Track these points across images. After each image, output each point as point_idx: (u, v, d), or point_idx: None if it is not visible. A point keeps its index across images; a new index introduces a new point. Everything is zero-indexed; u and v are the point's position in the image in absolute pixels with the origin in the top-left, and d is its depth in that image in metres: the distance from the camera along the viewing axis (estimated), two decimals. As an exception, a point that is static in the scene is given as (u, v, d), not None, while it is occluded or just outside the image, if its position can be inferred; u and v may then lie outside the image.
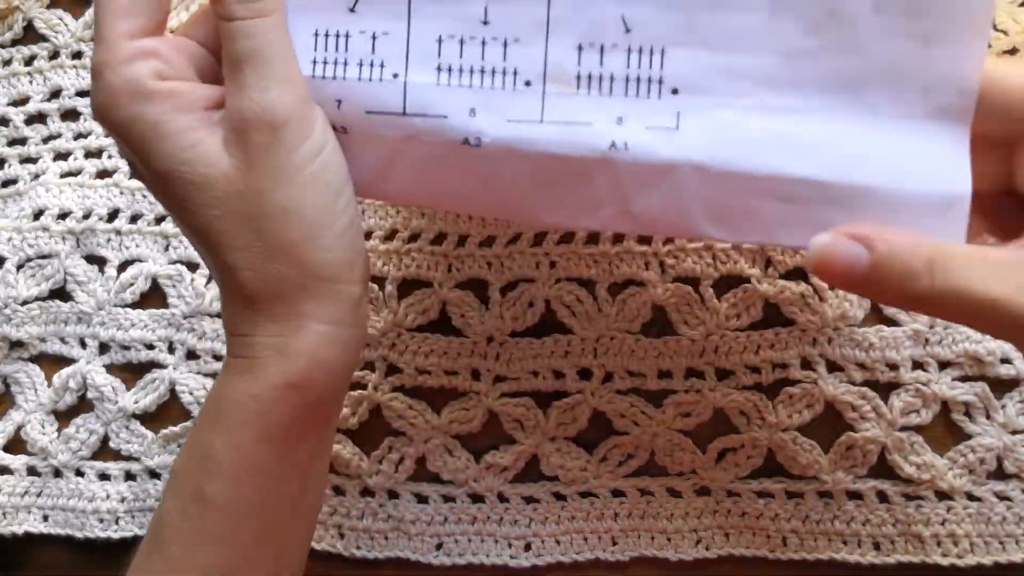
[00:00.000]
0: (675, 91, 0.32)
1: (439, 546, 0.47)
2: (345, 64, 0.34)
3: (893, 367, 0.45)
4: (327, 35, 0.34)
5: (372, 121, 0.34)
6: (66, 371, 0.50)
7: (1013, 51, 0.45)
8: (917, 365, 0.45)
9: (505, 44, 0.33)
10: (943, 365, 0.45)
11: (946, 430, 0.45)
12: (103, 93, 0.33)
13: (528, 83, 0.33)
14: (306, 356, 0.33)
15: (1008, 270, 0.30)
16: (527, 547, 0.46)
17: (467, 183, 0.35)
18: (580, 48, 0.33)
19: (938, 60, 0.31)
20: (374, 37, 0.34)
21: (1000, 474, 0.44)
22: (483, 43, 0.33)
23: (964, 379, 0.45)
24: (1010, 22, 0.45)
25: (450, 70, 0.33)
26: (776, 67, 0.32)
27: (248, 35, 0.33)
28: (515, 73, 0.33)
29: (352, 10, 0.34)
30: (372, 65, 0.34)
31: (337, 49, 0.34)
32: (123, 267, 0.51)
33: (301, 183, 0.33)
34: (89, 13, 0.52)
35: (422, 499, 0.47)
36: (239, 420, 0.34)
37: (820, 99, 0.32)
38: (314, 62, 0.34)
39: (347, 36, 0.34)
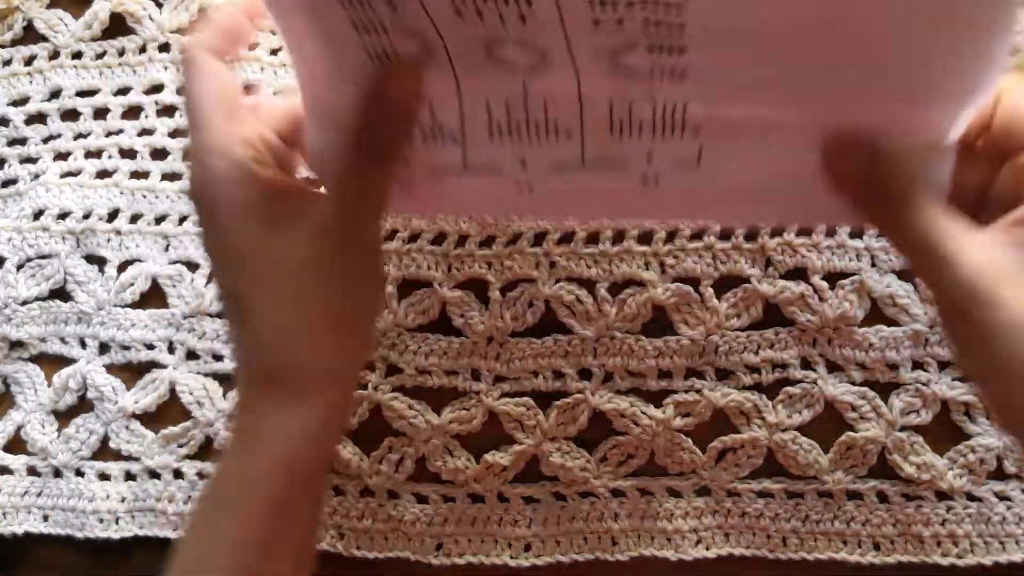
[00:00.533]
0: (697, 127, 0.35)
1: (439, 546, 0.47)
2: None
3: (893, 367, 0.45)
4: None
5: (436, 177, 0.38)
6: (66, 371, 0.50)
7: (1013, 51, 0.45)
8: (917, 365, 0.45)
9: (545, 100, 0.36)
10: (943, 365, 0.45)
11: (946, 430, 0.45)
12: (206, 174, 0.35)
13: (568, 132, 0.36)
14: (306, 437, 0.36)
15: (971, 236, 0.32)
16: (527, 547, 0.46)
17: (517, 211, 0.42)
18: (611, 103, 0.35)
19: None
20: (432, 110, 0.36)
21: (1000, 474, 0.44)
22: (526, 101, 0.36)
23: (964, 379, 0.45)
24: (1010, 22, 0.45)
25: (500, 129, 0.36)
26: (792, 92, 0.34)
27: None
28: (556, 126, 0.36)
29: None
30: (435, 133, 0.36)
31: None
32: (123, 267, 0.51)
33: (347, 284, 0.36)
34: (89, 13, 0.52)
35: (422, 499, 0.47)
36: (242, 496, 0.35)
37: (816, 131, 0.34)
38: None
39: None
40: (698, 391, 0.46)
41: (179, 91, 0.38)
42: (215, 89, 0.37)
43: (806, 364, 0.46)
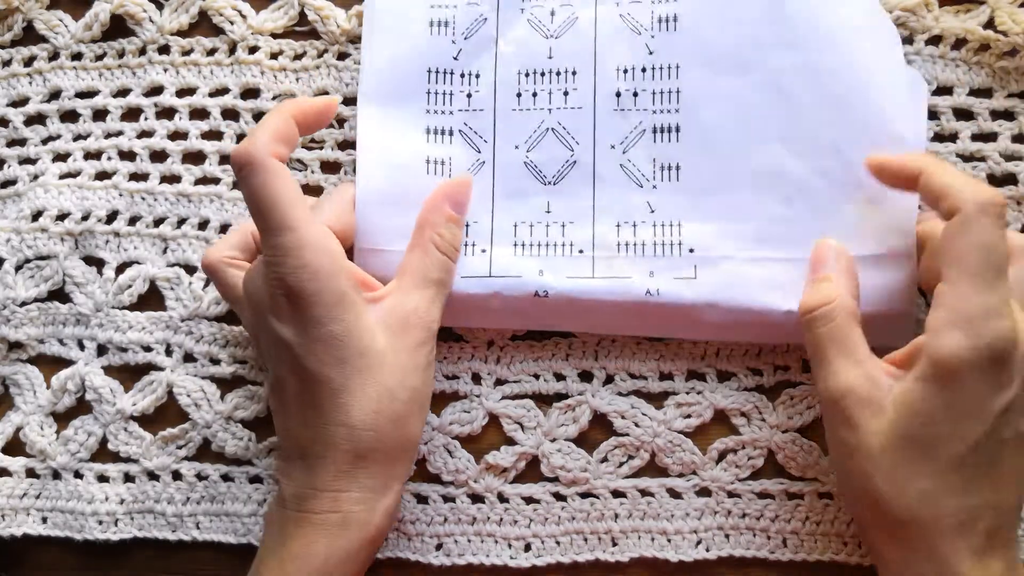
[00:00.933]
0: (691, 250, 0.44)
1: (439, 546, 0.47)
2: None
3: (893, 368, 0.45)
4: None
5: (466, 283, 0.45)
6: (64, 373, 0.50)
7: (1013, 52, 0.45)
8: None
9: (563, 225, 0.45)
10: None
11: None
12: (307, 268, 0.39)
13: (581, 251, 0.45)
14: (386, 512, 0.40)
15: (864, 371, 0.38)
16: (527, 547, 0.46)
17: (534, 320, 0.46)
18: (619, 225, 0.45)
19: (882, 213, 0.43)
20: (468, 224, 0.45)
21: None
22: (547, 225, 0.45)
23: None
24: (1010, 23, 0.45)
25: (524, 244, 0.45)
26: (763, 229, 0.44)
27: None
28: (571, 244, 0.45)
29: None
30: (467, 244, 0.45)
31: None
32: (121, 269, 0.51)
33: (425, 371, 0.41)
34: (89, 14, 0.52)
35: (422, 499, 0.47)
36: (327, 573, 0.39)
37: (798, 250, 0.43)
38: None
39: None
40: (699, 392, 0.46)
41: (248, 198, 0.40)
42: (291, 190, 0.40)
43: (808, 367, 0.46)
